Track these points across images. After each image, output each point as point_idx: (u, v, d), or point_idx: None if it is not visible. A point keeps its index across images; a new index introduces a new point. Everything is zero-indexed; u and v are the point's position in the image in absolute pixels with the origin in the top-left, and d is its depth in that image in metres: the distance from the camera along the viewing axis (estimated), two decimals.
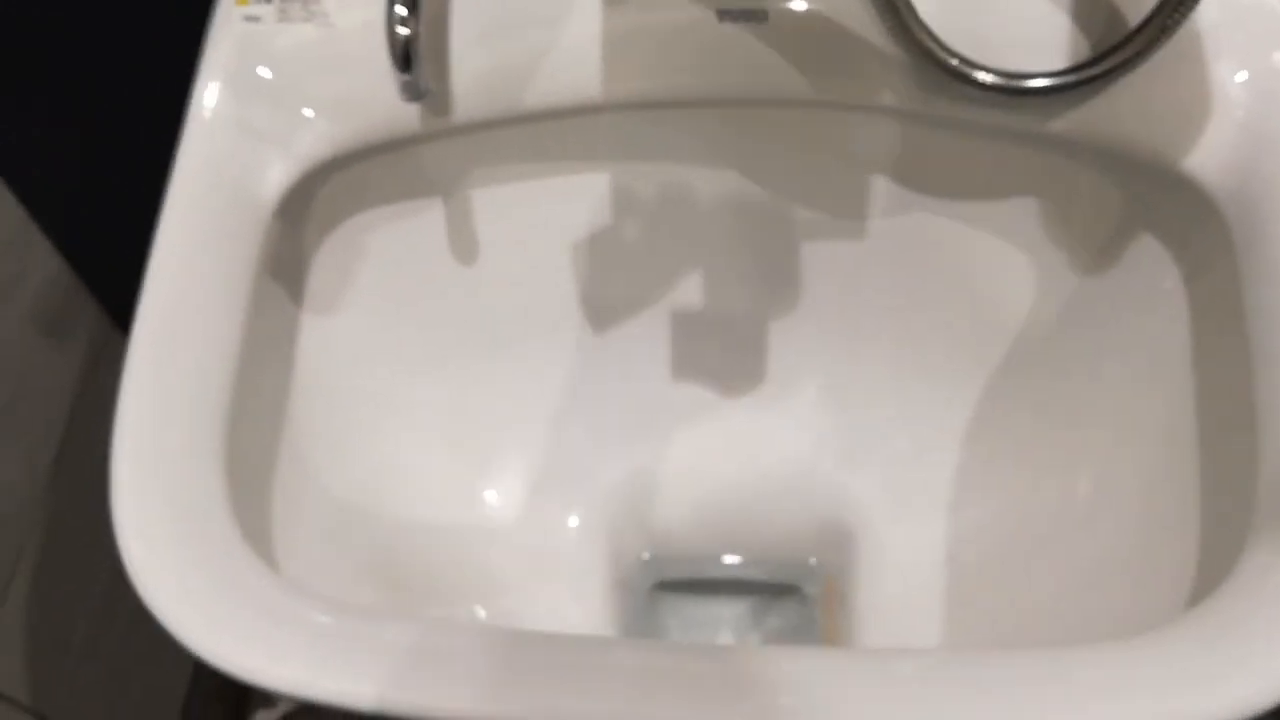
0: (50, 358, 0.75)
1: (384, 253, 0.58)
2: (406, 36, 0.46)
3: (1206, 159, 0.49)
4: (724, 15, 0.51)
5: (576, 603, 0.63)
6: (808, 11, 0.51)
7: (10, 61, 0.61)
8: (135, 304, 0.76)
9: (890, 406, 0.64)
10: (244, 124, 0.51)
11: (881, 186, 0.58)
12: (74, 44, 0.60)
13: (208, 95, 0.51)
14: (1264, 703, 0.38)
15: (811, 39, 0.51)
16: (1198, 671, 0.39)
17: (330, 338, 0.57)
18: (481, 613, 0.60)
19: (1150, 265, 0.54)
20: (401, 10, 0.46)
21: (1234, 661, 0.38)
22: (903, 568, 0.61)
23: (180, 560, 0.43)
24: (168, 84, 0.61)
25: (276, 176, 0.51)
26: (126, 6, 0.57)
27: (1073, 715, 0.38)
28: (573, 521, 0.65)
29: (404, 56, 0.46)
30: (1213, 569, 0.44)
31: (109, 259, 0.75)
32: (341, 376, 0.58)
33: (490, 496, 0.64)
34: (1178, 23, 0.46)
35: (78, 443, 0.77)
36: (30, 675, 0.73)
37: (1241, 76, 0.49)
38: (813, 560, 0.64)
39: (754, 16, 0.51)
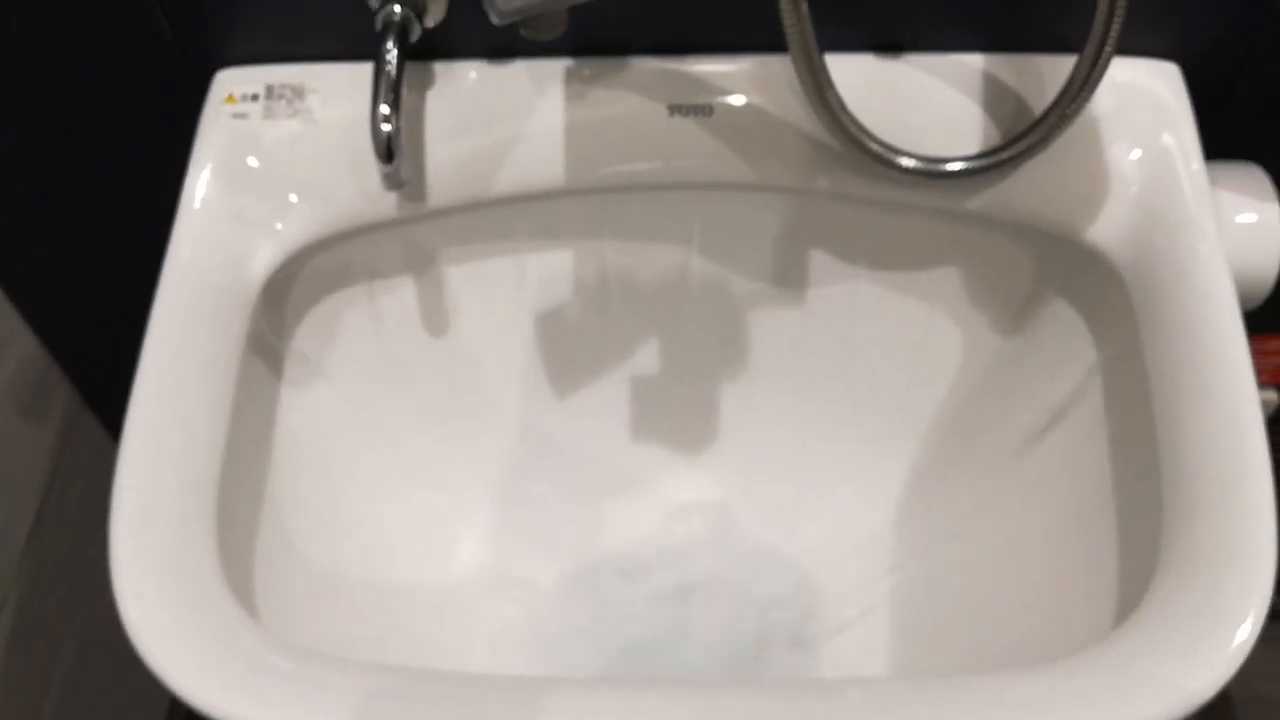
0: (24, 436, 0.76)
1: (359, 328, 0.61)
2: (389, 132, 0.50)
3: (1107, 230, 0.54)
4: (674, 109, 0.55)
5: (546, 656, 0.65)
6: (749, 105, 0.55)
7: None
8: (107, 384, 0.78)
9: (832, 464, 0.67)
10: (233, 210, 0.54)
11: (818, 261, 0.62)
12: (60, 134, 0.62)
13: (199, 184, 0.54)
14: (1171, 717, 0.42)
15: (752, 130, 0.55)
16: (1114, 690, 0.42)
17: (308, 409, 0.60)
18: (451, 662, 0.62)
19: (1062, 325, 0.58)
20: (385, 109, 0.50)
21: (1143, 681, 0.42)
22: (849, 611, 0.64)
23: (173, 615, 0.45)
24: (145, 177, 0.64)
25: (264, 258, 0.54)
26: (113, 102, 0.60)
27: None
28: (538, 578, 0.67)
29: (386, 149, 0.50)
30: (1131, 597, 0.47)
31: (83, 340, 0.77)
32: (319, 445, 0.61)
33: (461, 556, 0.67)
34: (1077, 110, 0.52)
35: (51, 519, 0.78)
36: None
37: (1134, 155, 0.54)
38: (769, 606, 0.67)
39: (701, 110, 0.55)
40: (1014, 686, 0.43)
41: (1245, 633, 0.43)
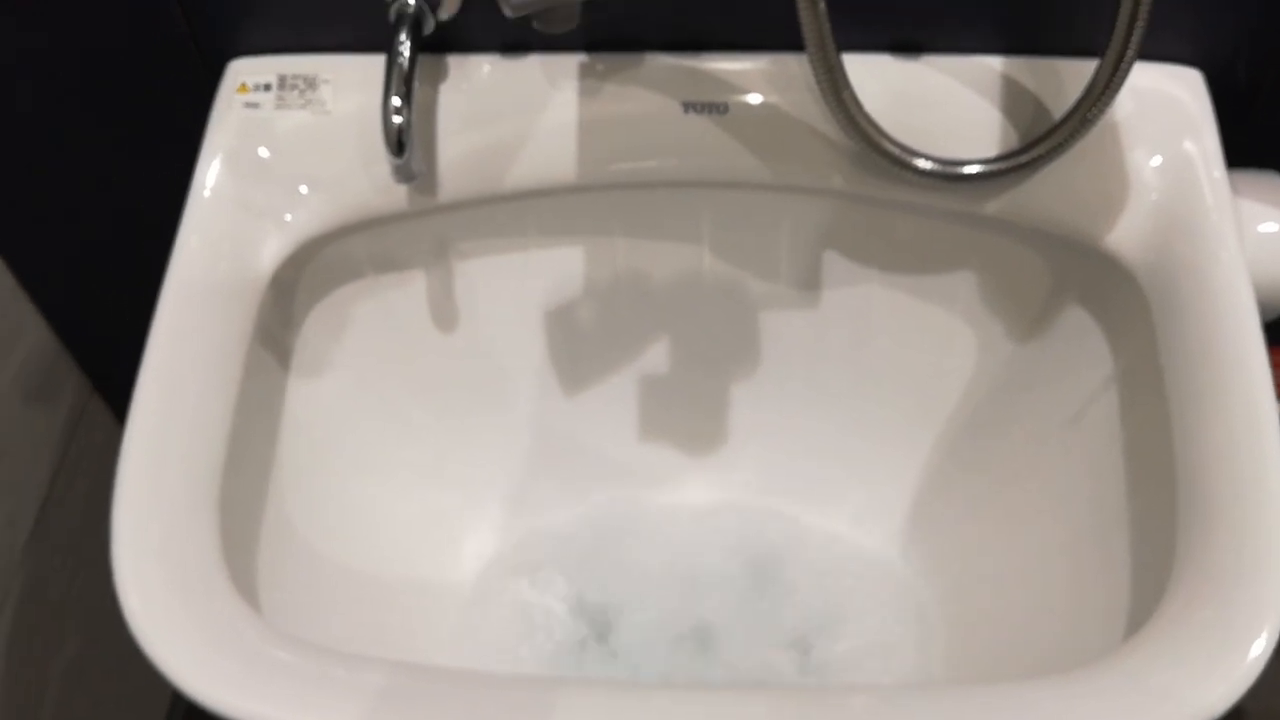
0: (33, 422, 0.76)
1: (368, 321, 0.61)
2: (400, 124, 0.50)
3: (1125, 237, 0.53)
4: (689, 106, 0.55)
5: (553, 657, 0.65)
6: (764, 104, 0.55)
7: (8, 137, 0.63)
8: (116, 371, 0.78)
9: (844, 466, 0.67)
10: (243, 199, 0.54)
11: (833, 262, 0.61)
12: (73, 123, 0.62)
13: (210, 173, 0.54)
14: None
15: (768, 129, 0.55)
16: (1125, 703, 0.42)
17: (315, 401, 0.60)
18: (452, 658, 0.62)
19: (1078, 333, 0.58)
20: (396, 101, 0.50)
21: (1156, 694, 0.42)
22: (859, 615, 0.64)
23: (174, 606, 0.45)
24: (157, 166, 0.64)
25: (272, 249, 0.54)
26: (126, 91, 0.60)
27: None
28: (543, 574, 0.67)
29: (397, 142, 0.50)
30: (1144, 608, 0.47)
31: (93, 328, 0.77)
32: (325, 437, 0.60)
33: (464, 550, 0.66)
34: (1097, 115, 0.51)
35: (58, 506, 0.78)
36: None
37: (1155, 162, 0.54)
38: (779, 608, 0.67)
39: (716, 108, 0.55)
40: (1024, 697, 0.43)
41: (1260, 647, 0.42)
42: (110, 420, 0.84)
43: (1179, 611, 0.44)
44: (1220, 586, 0.44)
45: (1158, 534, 0.48)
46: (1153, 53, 0.55)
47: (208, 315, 0.52)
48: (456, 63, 0.56)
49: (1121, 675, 0.43)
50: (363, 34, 0.56)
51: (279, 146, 0.55)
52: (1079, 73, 0.53)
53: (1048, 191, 0.54)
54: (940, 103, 0.55)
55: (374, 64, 0.54)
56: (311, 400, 0.59)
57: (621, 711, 0.43)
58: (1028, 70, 0.55)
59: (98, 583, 0.83)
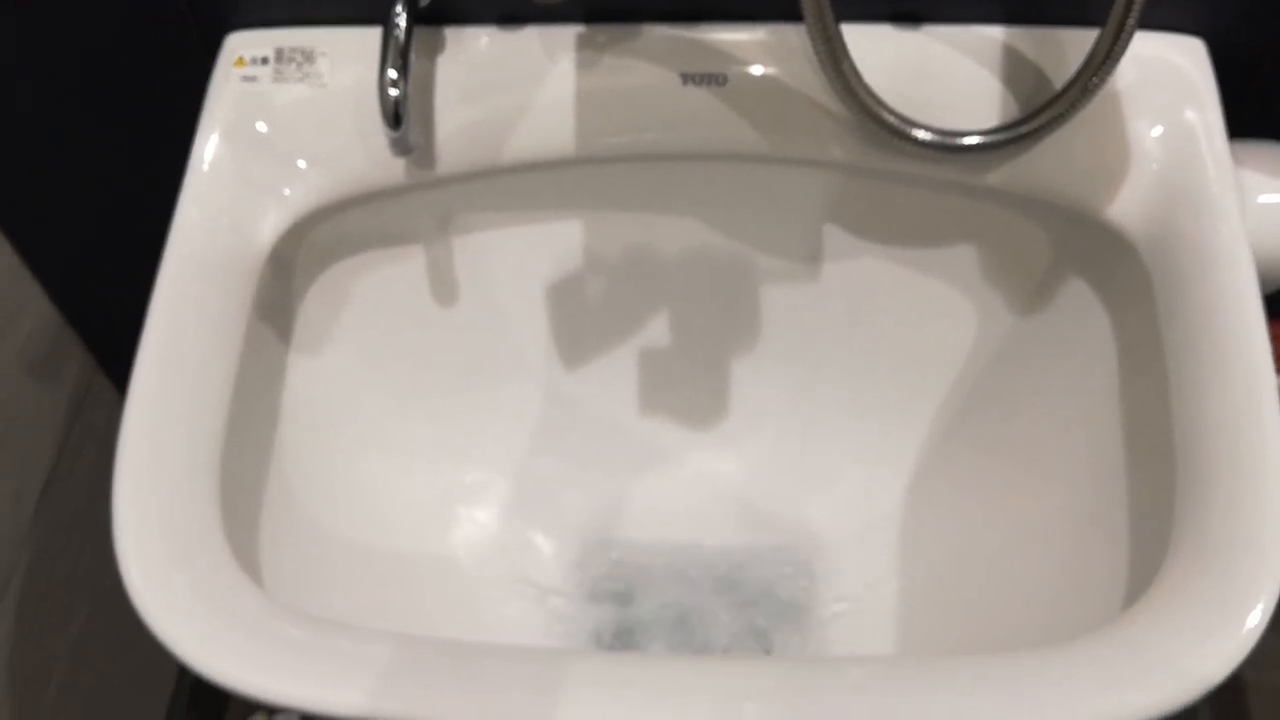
0: (37, 398, 0.76)
1: (368, 295, 0.61)
2: (397, 97, 0.50)
3: (1126, 208, 0.53)
4: (687, 78, 0.55)
5: (550, 626, 0.65)
6: (763, 76, 0.55)
7: (9, 112, 0.63)
8: (119, 347, 0.78)
9: (844, 440, 0.67)
10: (241, 174, 0.54)
11: (833, 234, 0.61)
12: (72, 98, 0.62)
13: (208, 148, 0.54)
14: (1177, 703, 0.41)
15: (767, 100, 0.55)
16: (1123, 672, 0.42)
17: (315, 375, 0.60)
18: (455, 632, 0.63)
19: (1079, 305, 0.57)
20: (393, 74, 0.50)
21: (1153, 663, 0.42)
22: (858, 589, 0.64)
23: (177, 580, 0.45)
24: (157, 140, 0.64)
25: (271, 223, 0.54)
26: (125, 65, 0.60)
27: (1015, 713, 0.42)
28: (545, 548, 0.67)
29: (394, 115, 0.50)
30: (1142, 579, 0.47)
31: (96, 304, 0.77)
32: (325, 411, 0.61)
33: (465, 523, 0.67)
34: (1098, 84, 0.51)
35: (62, 483, 0.79)
36: (10, 711, 0.74)
37: (1157, 132, 0.53)
38: (776, 582, 0.67)
39: (714, 79, 0.55)
40: (1021, 667, 0.43)
41: (1256, 618, 0.42)
42: (114, 397, 0.84)
43: (1177, 582, 0.44)
44: (1217, 558, 0.44)
45: (1156, 505, 0.48)
46: (1154, 22, 0.55)
47: (207, 290, 0.52)
48: (453, 35, 0.56)
49: (1119, 645, 0.43)
50: (360, 6, 0.56)
51: (277, 120, 0.55)
52: (1080, 42, 0.52)
53: (1048, 162, 0.54)
54: (940, 73, 0.55)
55: (371, 36, 0.54)
56: (312, 375, 0.59)
57: (627, 681, 0.43)
58: (1028, 40, 0.55)
59: (103, 559, 0.84)
